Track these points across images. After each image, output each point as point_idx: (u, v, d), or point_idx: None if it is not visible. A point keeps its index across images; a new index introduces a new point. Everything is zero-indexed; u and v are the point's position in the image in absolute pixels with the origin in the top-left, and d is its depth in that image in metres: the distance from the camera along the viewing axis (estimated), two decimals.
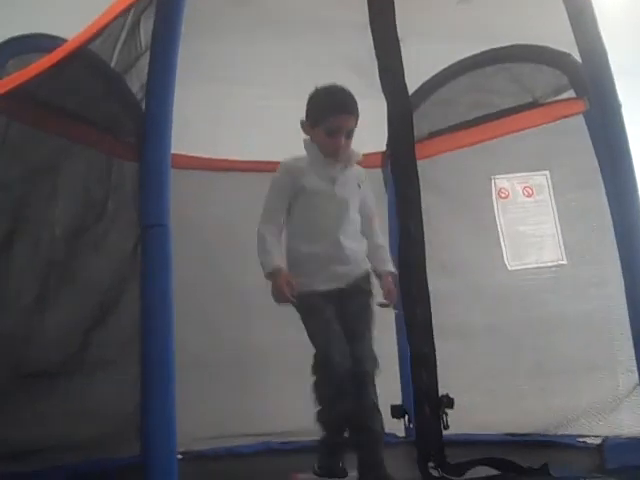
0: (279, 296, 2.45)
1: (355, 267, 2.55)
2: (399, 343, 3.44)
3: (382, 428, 2.36)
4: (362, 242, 2.63)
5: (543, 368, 3.06)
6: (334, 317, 2.48)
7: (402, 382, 3.41)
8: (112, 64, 2.68)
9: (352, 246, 2.56)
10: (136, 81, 2.58)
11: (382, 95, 3.02)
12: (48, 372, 2.64)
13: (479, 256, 3.14)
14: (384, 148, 3.67)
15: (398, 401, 3.41)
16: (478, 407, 2.92)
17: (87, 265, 2.78)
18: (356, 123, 2.58)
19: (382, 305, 2.54)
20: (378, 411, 2.36)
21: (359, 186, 2.64)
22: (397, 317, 3.46)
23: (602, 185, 2.67)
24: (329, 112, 2.55)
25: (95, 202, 2.87)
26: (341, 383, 2.38)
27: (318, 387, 2.45)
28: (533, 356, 3.09)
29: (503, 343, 3.13)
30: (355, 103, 2.57)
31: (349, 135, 2.57)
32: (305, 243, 2.52)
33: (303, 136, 2.65)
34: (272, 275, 2.44)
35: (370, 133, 3.55)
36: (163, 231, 1.97)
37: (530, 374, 3.09)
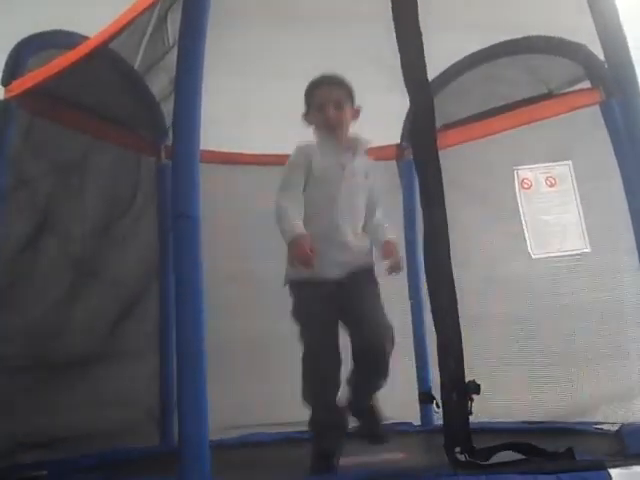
0: (303, 260, 2.41)
1: (356, 258, 2.57)
2: (414, 331, 3.52)
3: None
4: (365, 237, 2.65)
5: (559, 356, 3.09)
6: (330, 318, 2.50)
7: (418, 369, 3.49)
8: (137, 60, 2.70)
9: (354, 237, 2.59)
10: (164, 76, 2.60)
11: (396, 89, 3.08)
12: (76, 362, 2.68)
13: (496, 246, 3.17)
14: (398, 140, 3.75)
15: (412, 389, 3.49)
16: (494, 396, 2.94)
17: (114, 258, 2.83)
18: (347, 98, 2.64)
19: (390, 271, 2.58)
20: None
21: (366, 177, 2.67)
22: (412, 306, 3.55)
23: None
24: (313, 89, 2.64)
25: (121, 197, 2.93)
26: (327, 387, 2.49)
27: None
28: (550, 344, 3.12)
29: (520, 331, 3.17)
30: (341, 78, 2.64)
31: (337, 106, 2.62)
32: (307, 226, 2.49)
33: None
34: (297, 239, 2.41)
35: (385, 126, 3.63)
36: (193, 222, 2.00)
37: (546, 363, 3.12)
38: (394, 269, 2.61)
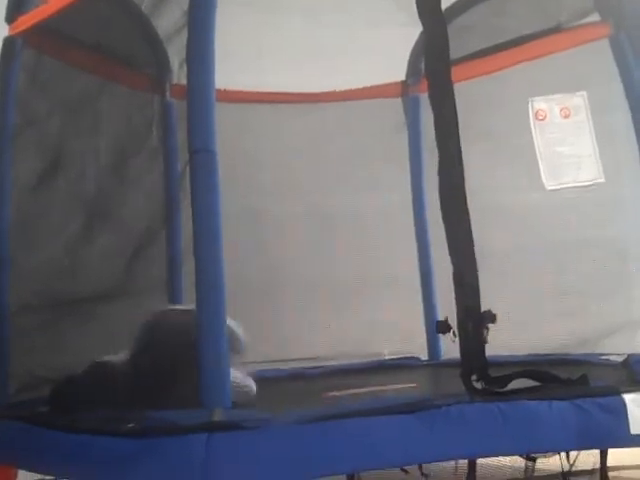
0: None
1: None
2: (421, 264, 3.57)
3: None
4: None
5: (563, 290, 3.12)
6: None
7: (425, 303, 3.53)
8: None
9: None
10: (176, 9, 2.58)
11: (401, 24, 3.06)
12: (89, 300, 2.70)
13: (504, 179, 3.19)
14: (403, 78, 3.73)
15: (418, 323, 3.54)
16: (499, 329, 2.99)
17: (127, 198, 2.83)
18: None
19: None
20: None
21: None
22: (418, 242, 3.58)
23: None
24: None
25: (130, 135, 2.91)
26: None
27: None
28: (554, 278, 3.16)
29: (525, 265, 3.21)
30: None
31: None
32: None
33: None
34: None
35: (389, 63, 3.61)
36: (210, 156, 2.00)
37: (550, 296, 3.16)
38: None
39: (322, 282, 3.45)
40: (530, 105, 2.91)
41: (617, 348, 2.92)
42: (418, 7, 2.21)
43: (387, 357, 3.53)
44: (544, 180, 2.88)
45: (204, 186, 1.99)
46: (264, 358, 3.29)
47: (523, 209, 3.15)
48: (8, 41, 2.68)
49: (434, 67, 2.18)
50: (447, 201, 2.12)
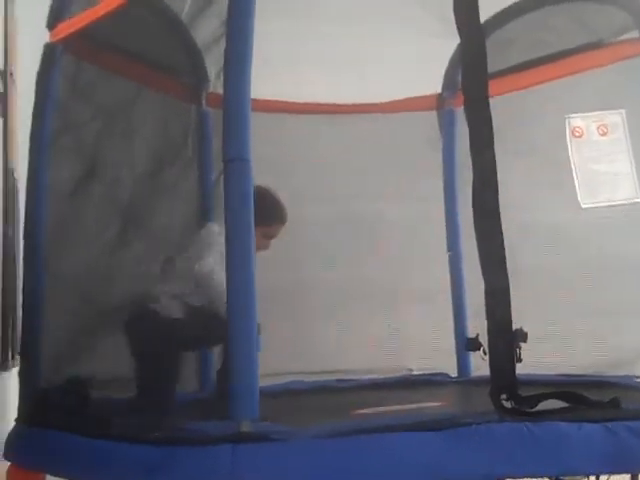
0: None
1: None
2: (453, 283, 3.54)
3: None
4: None
5: (596, 309, 3.08)
6: None
7: (456, 321, 3.50)
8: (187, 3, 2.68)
9: None
10: (215, 20, 2.59)
11: (438, 36, 3.04)
12: (121, 306, 2.72)
13: (540, 196, 3.16)
14: (439, 90, 3.71)
15: (448, 340, 3.50)
16: (531, 348, 2.95)
17: (161, 206, 2.85)
18: None
19: None
20: None
21: None
22: (450, 258, 3.56)
23: None
24: (277, 220, 2.91)
25: (167, 144, 2.93)
26: None
27: None
28: (587, 297, 3.11)
29: (558, 283, 3.17)
30: None
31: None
32: None
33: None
34: None
35: (424, 75, 3.60)
36: (245, 165, 2.01)
37: (583, 315, 3.11)
38: None
39: (353, 294, 3.43)
40: (567, 122, 2.89)
41: None
42: (456, 19, 2.19)
43: (415, 372, 3.51)
44: (579, 198, 2.85)
45: (238, 194, 2.00)
46: (292, 370, 3.30)
47: (557, 226, 3.12)
48: (48, 48, 2.71)
49: (471, 81, 2.16)
50: (480, 217, 2.10)
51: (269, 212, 2.81)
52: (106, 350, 2.65)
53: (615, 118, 2.83)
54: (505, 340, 2.05)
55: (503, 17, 3.33)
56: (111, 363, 2.62)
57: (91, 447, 2.16)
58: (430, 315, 3.55)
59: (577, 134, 2.87)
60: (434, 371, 3.50)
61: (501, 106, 3.03)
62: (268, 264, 3.16)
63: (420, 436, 2.02)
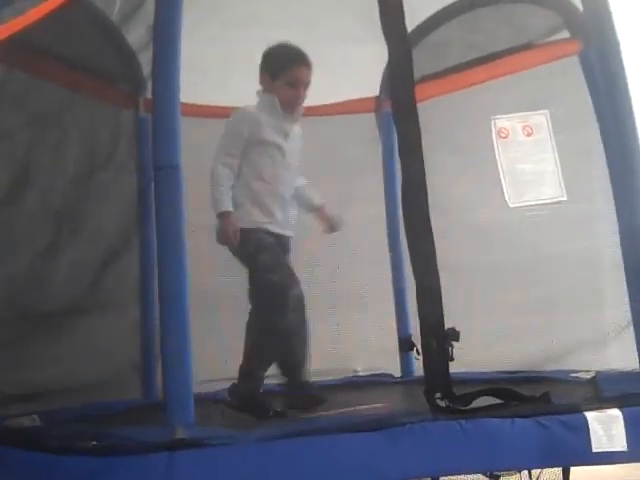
0: (224, 237, 2.59)
1: (290, 222, 2.75)
2: (395, 280, 3.55)
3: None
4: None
5: (534, 305, 3.13)
6: (279, 262, 2.64)
7: (398, 320, 3.53)
8: (115, 9, 2.67)
9: (290, 200, 2.77)
10: (140, 26, 2.58)
11: (374, 41, 3.07)
12: (58, 314, 2.69)
13: (473, 196, 3.21)
14: (377, 92, 3.74)
15: (393, 341, 3.52)
16: (471, 346, 2.99)
17: (95, 211, 2.83)
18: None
19: (330, 231, 2.89)
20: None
21: (301, 141, 2.84)
22: (392, 258, 3.58)
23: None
24: (294, 63, 2.70)
25: (101, 150, 2.91)
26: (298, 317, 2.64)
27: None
28: (520, 294, 3.17)
29: (495, 280, 3.22)
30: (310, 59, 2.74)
31: (306, 87, 2.73)
32: (260, 186, 2.65)
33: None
34: (221, 216, 2.58)
35: (362, 78, 3.63)
36: (175, 172, 2.00)
37: (521, 312, 3.17)
38: (334, 229, 2.90)
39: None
40: (493, 123, 2.94)
41: (587, 365, 2.93)
42: (383, 29, 2.22)
43: (361, 373, 3.53)
44: (507, 197, 2.91)
45: (167, 202, 2.00)
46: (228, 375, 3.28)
47: (490, 225, 3.17)
48: None
49: (398, 86, 2.19)
50: (410, 218, 2.14)
51: (277, 59, 2.72)
52: (41, 359, 2.61)
53: (539, 119, 2.90)
54: (437, 339, 2.07)
55: (435, 20, 3.38)
56: (47, 372, 2.58)
57: (26, 459, 2.12)
58: (375, 316, 3.57)
59: (503, 135, 2.93)
60: (379, 372, 3.52)
61: (433, 107, 3.11)
62: (213, 269, 3.19)
63: (358, 437, 2.04)
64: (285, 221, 2.71)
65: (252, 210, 2.63)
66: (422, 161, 2.11)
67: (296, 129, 2.80)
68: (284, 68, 2.69)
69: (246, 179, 2.65)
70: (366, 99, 3.70)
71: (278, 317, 2.56)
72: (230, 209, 2.57)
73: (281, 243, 2.70)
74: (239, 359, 3.18)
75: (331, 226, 2.91)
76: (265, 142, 2.67)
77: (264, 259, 2.60)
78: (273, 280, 2.57)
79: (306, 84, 2.73)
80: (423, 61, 3.25)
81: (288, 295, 2.57)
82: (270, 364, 2.67)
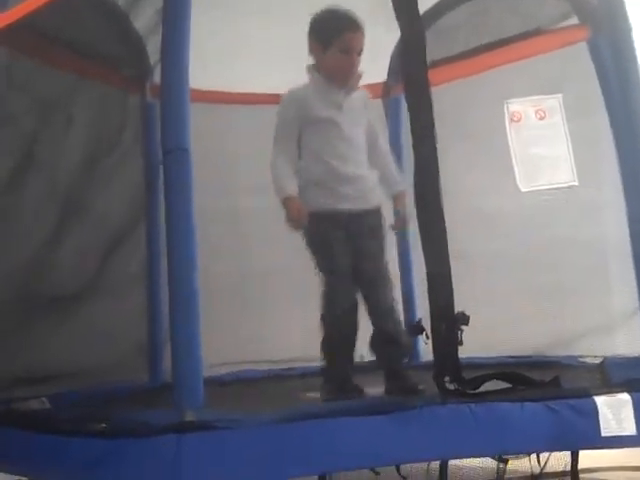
0: (290, 222, 2.48)
1: (364, 193, 2.57)
2: (401, 266, 3.54)
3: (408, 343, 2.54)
4: (371, 171, 2.63)
5: (543, 291, 3.13)
6: (343, 248, 2.51)
7: (403, 300, 3.50)
8: None
9: (359, 172, 2.57)
10: (149, 9, 2.57)
11: (383, 25, 3.05)
12: (65, 299, 2.70)
13: (483, 181, 3.20)
14: (384, 78, 3.73)
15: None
16: (480, 330, 2.99)
17: (101, 196, 2.83)
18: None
19: (395, 228, 2.62)
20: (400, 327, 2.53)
21: (365, 108, 2.66)
22: (398, 239, 3.56)
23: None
24: (346, 29, 2.53)
25: (108, 135, 2.90)
26: (345, 315, 2.50)
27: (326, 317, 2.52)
28: (530, 279, 3.16)
29: (502, 267, 3.21)
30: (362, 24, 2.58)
31: (360, 54, 2.57)
32: (316, 167, 2.53)
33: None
34: (285, 202, 2.47)
35: (369, 63, 3.61)
36: (184, 154, 2.00)
37: (530, 297, 3.16)
38: (397, 227, 2.65)
39: (298, 284, 3.44)
40: (505, 107, 2.93)
41: (596, 350, 2.93)
42: (395, 10, 2.21)
43: (366, 359, 3.52)
44: (518, 182, 2.89)
45: (177, 185, 1.99)
46: (238, 359, 3.30)
47: (500, 211, 3.16)
48: None
49: (411, 68, 2.17)
50: (422, 203, 2.13)
51: (328, 26, 2.56)
52: (49, 342, 2.62)
53: (552, 102, 2.88)
54: (447, 324, 2.07)
55: (445, 6, 3.36)
56: (55, 355, 2.59)
57: (35, 441, 2.13)
58: None
59: (516, 119, 2.91)
60: None
61: (443, 93, 3.09)
62: (213, 257, 3.19)
63: (365, 420, 2.04)
64: (356, 194, 2.52)
65: (315, 192, 2.51)
66: (435, 144, 2.10)
67: (355, 97, 2.61)
68: (336, 35, 2.53)
69: (307, 162, 2.55)
70: (374, 84, 3.66)
71: (344, 300, 2.50)
72: (291, 193, 2.46)
73: (352, 220, 2.53)
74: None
75: (402, 220, 2.62)
76: (316, 119, 2.53)
77: (318, 255, 2.52)
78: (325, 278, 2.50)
79: (359, 51, 2.57)
80: (433, 46, 3.24)
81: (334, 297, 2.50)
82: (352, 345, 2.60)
